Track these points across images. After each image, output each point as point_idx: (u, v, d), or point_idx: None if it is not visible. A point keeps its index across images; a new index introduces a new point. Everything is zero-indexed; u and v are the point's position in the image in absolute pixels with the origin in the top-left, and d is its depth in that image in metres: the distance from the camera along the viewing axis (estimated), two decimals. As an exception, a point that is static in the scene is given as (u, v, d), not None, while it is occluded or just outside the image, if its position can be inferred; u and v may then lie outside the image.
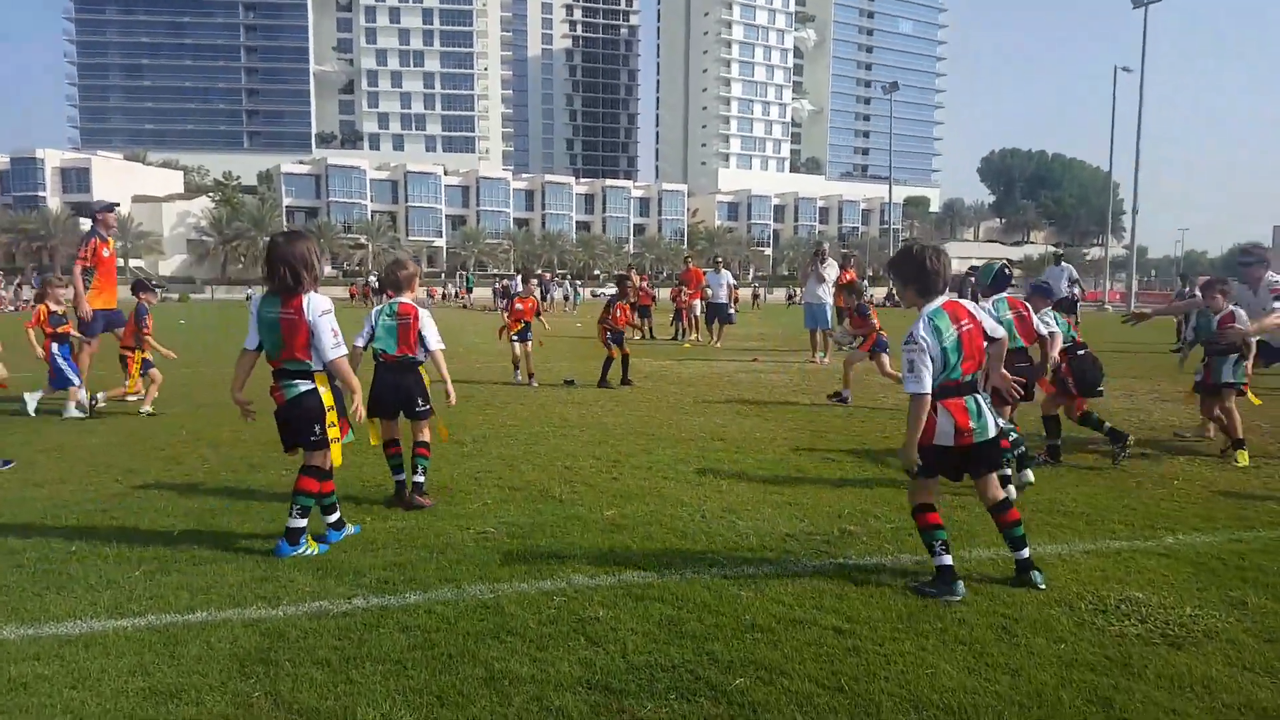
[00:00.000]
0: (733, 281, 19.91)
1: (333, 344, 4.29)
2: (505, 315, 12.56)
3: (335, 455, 4.47)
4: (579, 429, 8.24)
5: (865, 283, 14.48)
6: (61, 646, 3.39)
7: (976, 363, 3.93)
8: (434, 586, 4.01)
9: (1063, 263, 20.14)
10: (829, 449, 7.33)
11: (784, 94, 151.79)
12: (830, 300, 15.89)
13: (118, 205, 11.73)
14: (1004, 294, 5.61)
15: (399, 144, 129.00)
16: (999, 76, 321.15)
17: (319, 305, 4.27)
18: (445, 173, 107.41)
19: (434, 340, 5.44)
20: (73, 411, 8.92)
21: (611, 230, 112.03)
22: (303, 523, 4.43)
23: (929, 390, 3.78)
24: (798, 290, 20.37)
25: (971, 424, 3.85)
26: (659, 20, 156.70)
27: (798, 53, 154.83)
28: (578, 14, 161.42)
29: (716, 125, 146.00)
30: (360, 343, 5.47)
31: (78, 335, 9.53)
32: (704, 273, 20.20)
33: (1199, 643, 3.43)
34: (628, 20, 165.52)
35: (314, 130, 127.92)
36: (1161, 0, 41.90)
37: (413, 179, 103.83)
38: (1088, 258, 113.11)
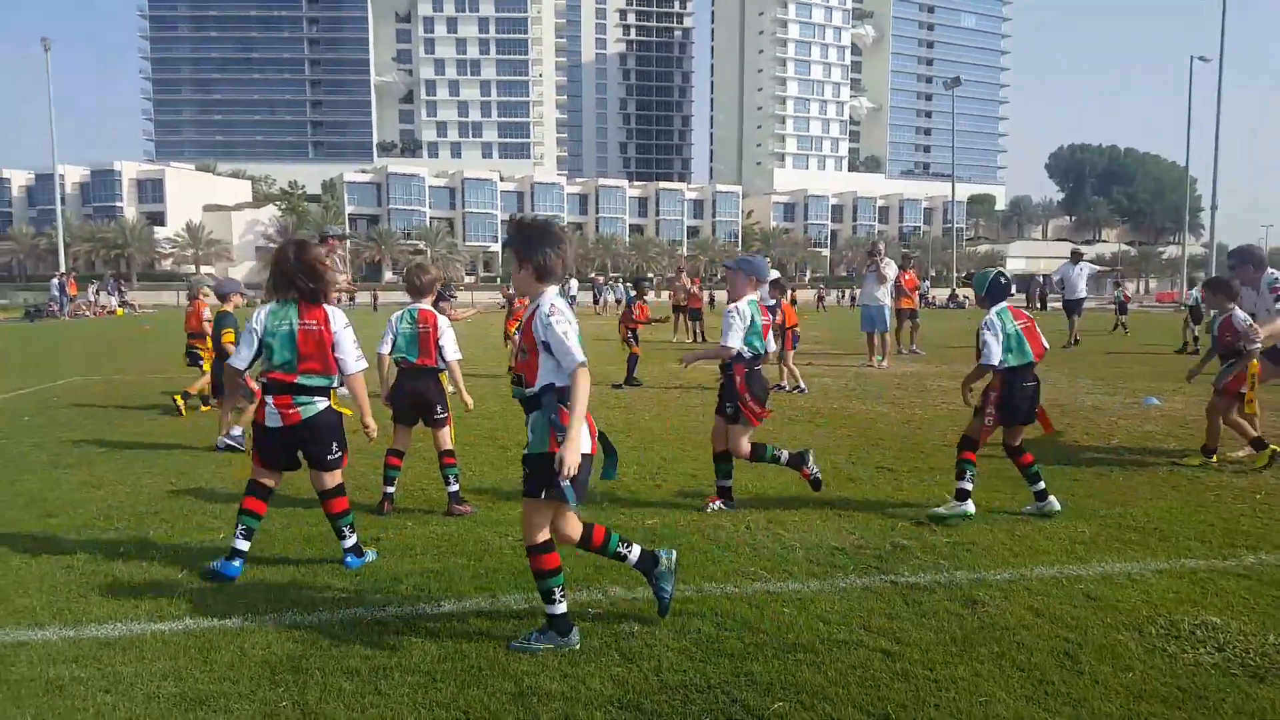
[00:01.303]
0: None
1: (356, 357, 4.18)
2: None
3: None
4: (623, 434, 8.12)
5: (927, 283, 14.23)
6: (100, 649, 3.42)
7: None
8: (469, 595, 3.95)
9: (1081, 262, 19.24)
10: (884, 458, 7.07)
11: (842, 91, 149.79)
12: (889, 301, 15.50)
13: (346, 236, 12.42)
14: (1005, 303, 5.25)
15: (456, 151, 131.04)
16: (1068, 69, 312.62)
17: (341, 318, 4.17)
18: (501, 179, 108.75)
19: (451, 350, 5.36)
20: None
21: (665, 233, 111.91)
22: (354, 538, 4.38)
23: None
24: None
25: None
26: (713, 21, 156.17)
27: (855, 50, 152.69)
28: (631, 18, 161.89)
29: (772, 125, 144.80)
30: (385, 349, 5.41)
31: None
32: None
33: (1284, 673, 3.15)
34: (681, 22, 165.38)
35: (375, 139, 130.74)
36: (1239, -14, 40.11)
37: (470, 185, 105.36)
38: (1164, 256, 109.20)
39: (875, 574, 4.23)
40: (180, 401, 9.46)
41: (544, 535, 3.39)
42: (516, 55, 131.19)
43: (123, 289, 52.25)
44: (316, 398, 4.16)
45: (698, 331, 22.10)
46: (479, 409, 8.33)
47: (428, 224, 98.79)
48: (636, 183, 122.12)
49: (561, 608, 3.38)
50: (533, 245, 3.37)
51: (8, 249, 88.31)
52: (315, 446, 4.18)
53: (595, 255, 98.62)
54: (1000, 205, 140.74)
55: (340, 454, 4.25)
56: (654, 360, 15.38)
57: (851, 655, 3.31)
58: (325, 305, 4.15)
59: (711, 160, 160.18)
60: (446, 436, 5.41)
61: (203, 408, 9.62)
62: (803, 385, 11.38)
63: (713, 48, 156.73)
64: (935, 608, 3.79)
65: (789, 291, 12.12)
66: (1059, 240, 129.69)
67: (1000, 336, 5.09)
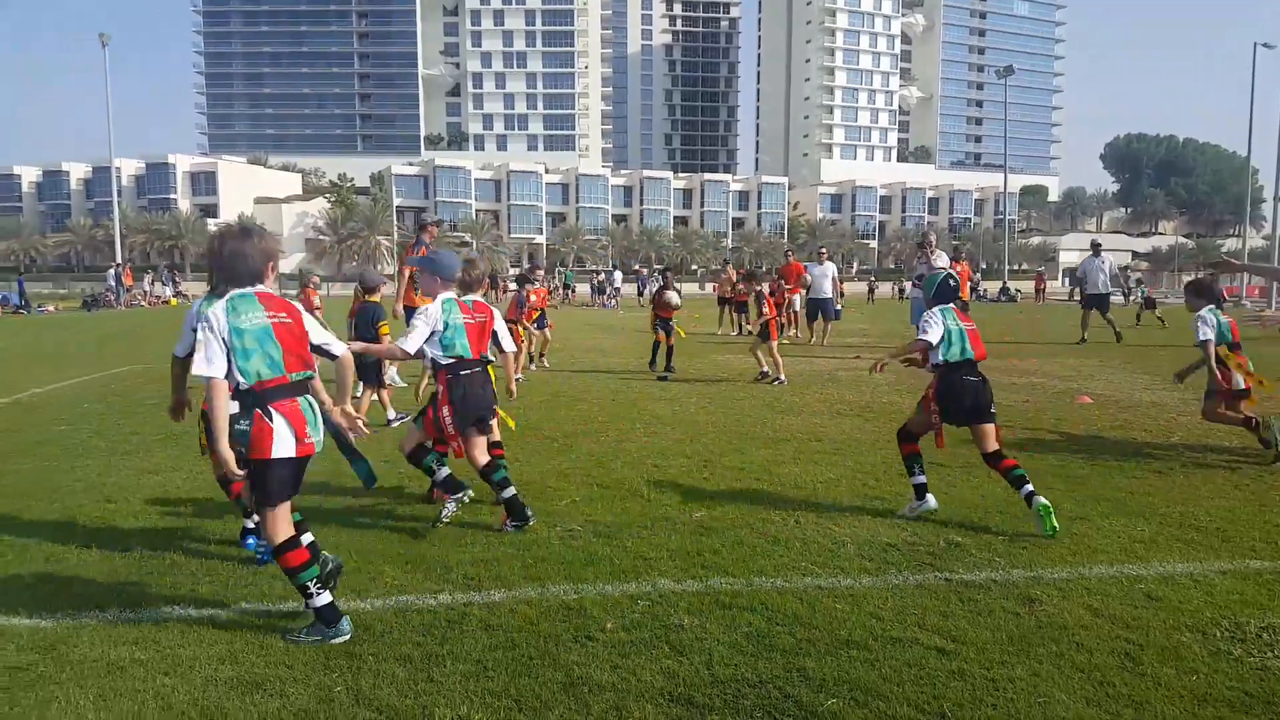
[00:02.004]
0: (836, 274, 19.33)
1: (334, 338, 3.88)
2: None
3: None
4: (670, 426, 8.11)
5: (978, 276, 14.09)
6: (159, 632, 3.49)
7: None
8: (518, 585, 3.97)
9: (1102, 253, 18.71)
10: (937, 453, 6.93)
11: (891, 81, 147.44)
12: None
13: (443, 221, 13.00)
14: (950, 305, 5.14)
15: (502, 144, 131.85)
16: (1123, 57, 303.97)
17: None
18: (546, 171, 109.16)
19: (508, 341, 5.32)
20: (396, 379, 10.09)
21: (710, 225, 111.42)
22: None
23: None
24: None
25: None
26: (760, 11, 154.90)
27: (905, 39, 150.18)
28: (678, 8, 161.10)
29: (819, 115, 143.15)
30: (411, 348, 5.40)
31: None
32: (805, 266, 19.73)
33: (1360, 681, 3.03)
34: (728, 13, 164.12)
35: (422, 132, 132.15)
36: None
37: (515, 178, 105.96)
38: (1224, 249, 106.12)
39: (929, 571, 4.17)
40: None
41: (284, 535, 3.44)
42: (562, 47, 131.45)
43: (177, 279, 53.66)
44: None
45: (744, 325, 21.98)
46: (523, 399, 8.40)
47: (474, 216, 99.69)
48: (681, 174, 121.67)
49: (323, 599, 3.41)
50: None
51: (66, 240, 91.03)
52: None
53: (639, 247, 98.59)
54: (1053, 196, 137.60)
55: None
56: (699, 353, 15.32)
57: (906, 653, 3.26)
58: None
59: (757, 151, 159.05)
60: (495, 430, 5.35)
61: None
62: (782, 378, 11.17)
63: (760, 38, 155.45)
64: (991, 606, 3.71)
65: (765, 283, 12.12)
66: (1114, 233, 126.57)
67: (940, 327, 4.98)
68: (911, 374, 12.43)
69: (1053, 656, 3.23)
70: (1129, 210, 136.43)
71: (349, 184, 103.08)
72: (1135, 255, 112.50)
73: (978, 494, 5.65)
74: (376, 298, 8.26)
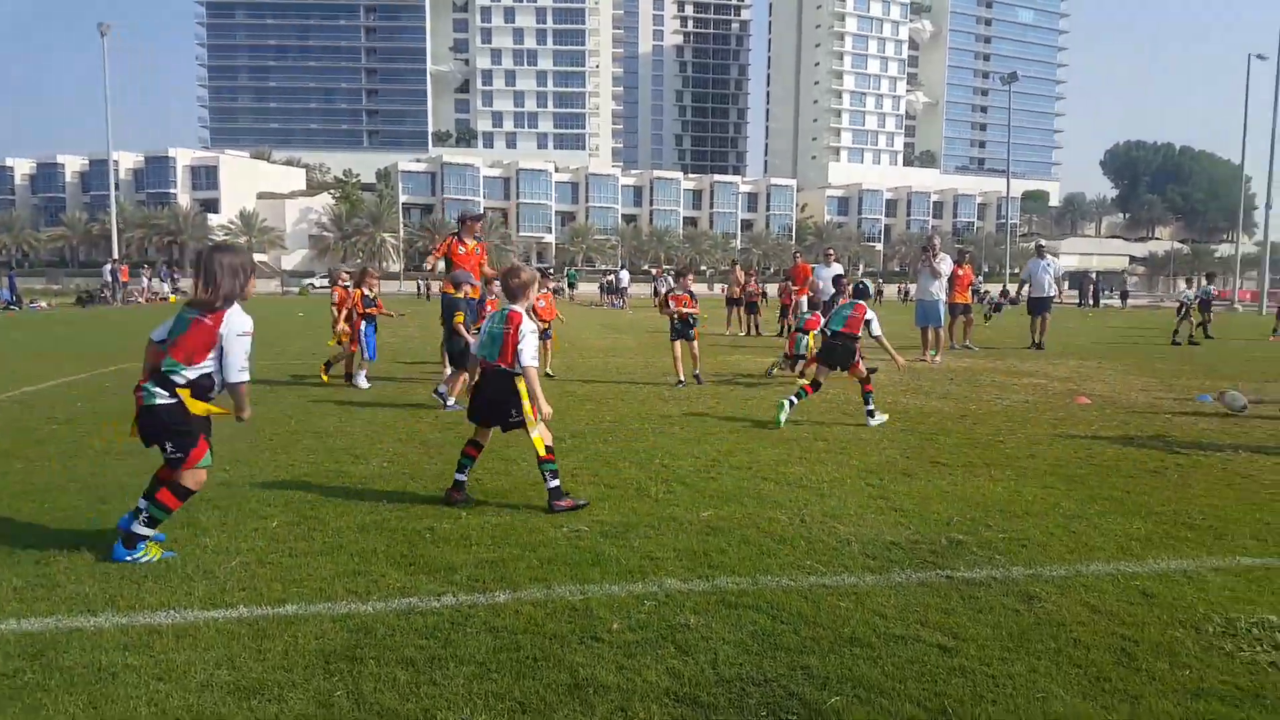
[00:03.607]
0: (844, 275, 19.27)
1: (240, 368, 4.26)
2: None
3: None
4: (679, 426, 8.16)
5: (980, 279, 14.14)
6: (152, 636, 3.39)
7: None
8: (524, 586, 3.96)
9: (1046, 256, 18.77)
10: (939, 452, 7.02)
11: (898, 86, 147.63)
12: (944, 296, 15.30)
13: (485, 216, 13.48)
14: (857, 300, 8.46)
15: (512, 142, 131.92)
16: (1124, 66, 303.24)
17: (240, 324, 4.25)
18: (556, 169, 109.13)
19: (528, 355, 5.16)
20: (363, 383, 10.65)
21: (719, 226, 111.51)
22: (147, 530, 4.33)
23: None
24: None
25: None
26: (770, 14, 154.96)
27: (913, 44, 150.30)
28: (689, 10, 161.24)
29: (828, 119, 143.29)
30: (474, 349, 5.43)
31: (387, 313, 11.81)
32: (812, 268, 19.76)
33: (1352, 681, 3.08)
34: (739, 15, 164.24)
35: (430, 129, 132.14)
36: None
37: (524, 176, 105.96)
38: (1217, 254, 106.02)
39: (931, 569, 4.22)
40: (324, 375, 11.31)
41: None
42: (573, 46, 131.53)
43: (175, 275, 52.39)
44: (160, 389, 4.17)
45: (754, 325, 22.03)
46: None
47: (482, 214, 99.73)
48: (691, 175, 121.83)
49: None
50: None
51: (60, 235, 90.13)
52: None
53: (649, 248, 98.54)
54: (1054, 202, 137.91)
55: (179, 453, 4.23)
56: (708, 354, 15.35)
57: (908, 650, 3.31)
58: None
59: (766, 154, 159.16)
60: (537, 439, 5.20)
61: (324, 377, 11.30)
62: (685, 379, 11.07)
63: (770, 41, 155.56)
64: (991, 603, 3.77)
65: (688, 277, 11.65)
66: (1112, 237, 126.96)
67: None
68: (914, 374, 12.53)
69: (1051, 653, 3.28)
70: (1127, 216, 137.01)
71: (354, 180, 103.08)
72: (1132, 259, 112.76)
73: (980, 492, 5.71)
74: (461, 295, 9.61)
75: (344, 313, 11.05)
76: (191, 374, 4.18)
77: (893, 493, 5.70)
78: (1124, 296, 25.48)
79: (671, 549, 4.47)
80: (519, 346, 5.15)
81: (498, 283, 13.30)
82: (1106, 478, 6.18)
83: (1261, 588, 3.98)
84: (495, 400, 5.23)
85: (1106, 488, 5.88)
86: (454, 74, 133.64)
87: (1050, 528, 4.92)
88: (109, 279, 41.67)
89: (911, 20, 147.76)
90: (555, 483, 5.20)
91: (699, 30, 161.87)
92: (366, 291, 11.04)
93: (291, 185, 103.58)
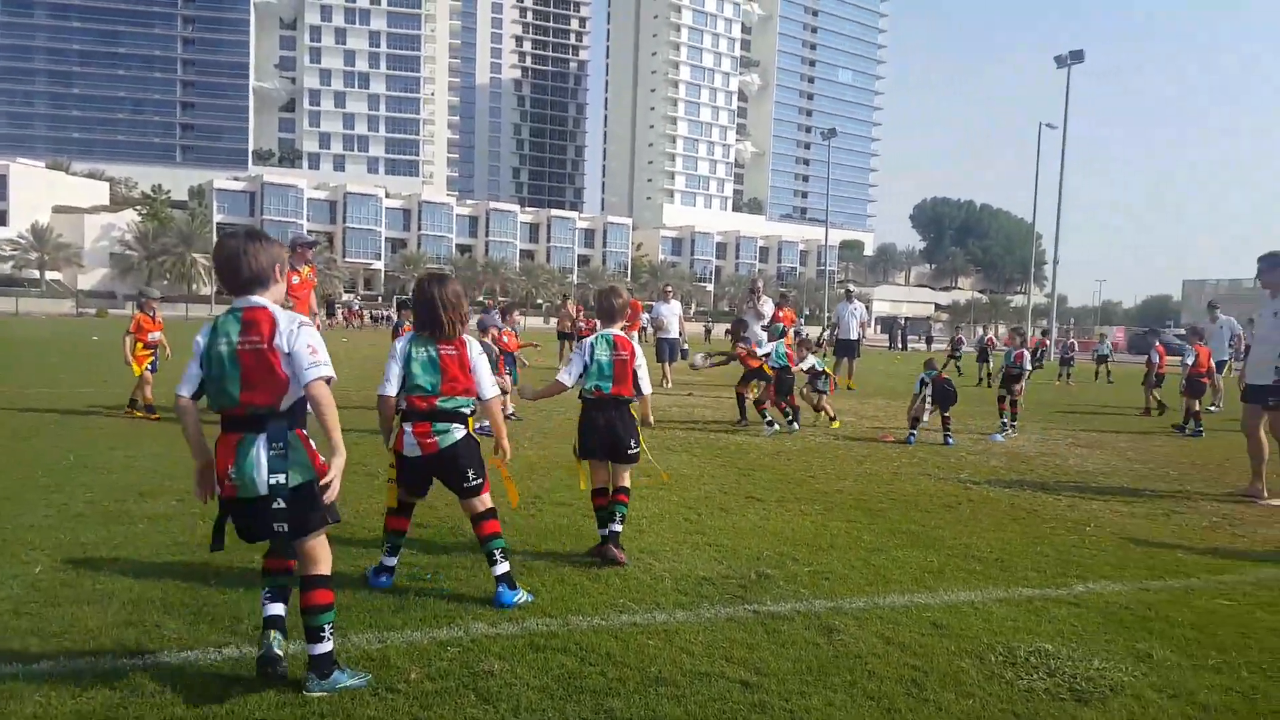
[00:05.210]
0: (680, 313, 19.44)
1: (491, 384, 4.26)
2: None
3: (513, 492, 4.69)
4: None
5: (802, 321, 14.99)
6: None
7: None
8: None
9: (854, 300, 19.69)
10: (755, 488, 7.24)
11: (728, 135, 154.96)
12: (765, 336, 15.94)
13: (318, 244, 12.10)
14: (783, 340, 9.91)
15: (340, 164, 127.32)
16: (932, 128, 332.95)
17: (477, 346, 4.26)
18: (387, 195, 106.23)
19: (645, 383, 5.04)
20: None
21: (556, 260, 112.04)
22: (506, 565, 4.21)
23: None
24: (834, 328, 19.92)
25: None
26: (608, 56, 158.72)
27: (742, 96, 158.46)
28: (527, 45, 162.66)
29: (662, 162, 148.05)
30: (569, 380, 5.03)
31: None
32: (644, 306, 20.03)
33: (1105, 698, 3.37)
34: (577, 55, 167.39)
35: (251, 146, 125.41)
36: (1083, 63, 43.72)
37: (352, 200, 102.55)
38: (1012, 304, 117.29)
39: (739, 603, 4.30)
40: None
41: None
42: (408, 72, 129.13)
43: None
44: (454, 425, 4.09)
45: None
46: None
47: (306, 236, 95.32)
48: (528, 208, 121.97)
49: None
50: None
51: None
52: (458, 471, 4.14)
53: (484, 279, 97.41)
54: (869, 251, 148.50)
55: (480, 480, 4.18)
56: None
57: (712, 687, 3.33)
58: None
59: (603, 191, 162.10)
60: (627, 475, 5.01)
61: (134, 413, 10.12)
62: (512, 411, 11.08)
63: (607, 82, 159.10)
64: (794, 636, 3.88)
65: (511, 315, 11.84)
66: (920, 285, 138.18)
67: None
68: (721, 415, 12.96)
69: (847, 685, 3.40)
70: (933, 266, 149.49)
71: (164, 196, 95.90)
72: (937, 307, 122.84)
73: (789, 526, 5.92)
74: (487, 338, 9.62)
75: (138, 342, 10.25)
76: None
77: (709, 528, 5.81)
78: (929, 341, 28.32)
79: (482, 590, 4.32)
80: (637, 372, 5.00)
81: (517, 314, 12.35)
82: (906, 512, 6.58)
83: (1039, 617, 4.29)
84: (612, 432, 4.91)
85: (905, 521, 6.25)
86: (279, 91, 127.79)
87: (852, 560, 5.16)
88: None
89: (741, 73, 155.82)
90: (620, 527, 5.00)
91: (537, 66, 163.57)
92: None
93: (93, 199, 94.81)
